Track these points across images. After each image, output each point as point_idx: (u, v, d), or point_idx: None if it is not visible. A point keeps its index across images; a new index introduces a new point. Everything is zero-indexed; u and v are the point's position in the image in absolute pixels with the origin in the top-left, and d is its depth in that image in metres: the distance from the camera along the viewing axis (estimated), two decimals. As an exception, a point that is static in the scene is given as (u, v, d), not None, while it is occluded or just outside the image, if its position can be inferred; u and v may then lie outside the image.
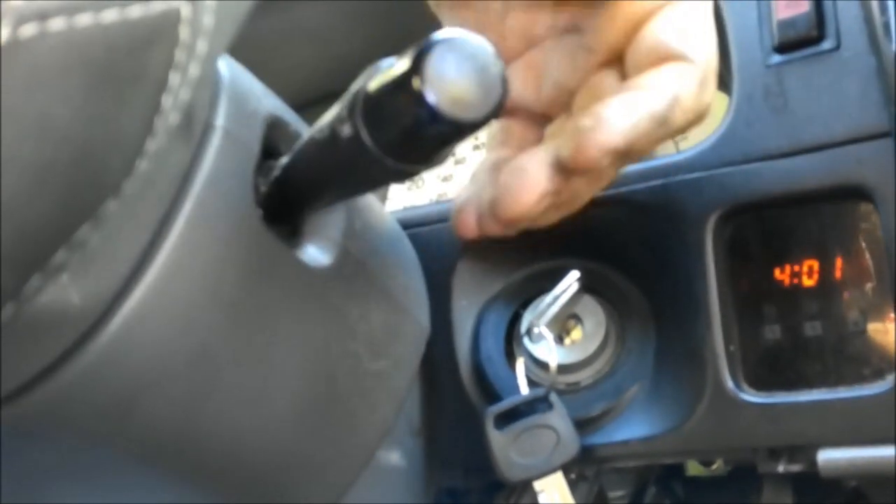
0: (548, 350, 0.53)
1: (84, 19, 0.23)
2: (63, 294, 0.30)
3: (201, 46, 0.28)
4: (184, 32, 0.27)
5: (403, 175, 0.32)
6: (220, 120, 0.36)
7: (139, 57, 0.26)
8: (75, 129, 0.25)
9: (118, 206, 0.29)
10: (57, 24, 0.23)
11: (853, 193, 0.47)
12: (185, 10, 0.27)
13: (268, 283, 0.39)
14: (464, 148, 0.71)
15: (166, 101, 0.28)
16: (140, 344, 0.34)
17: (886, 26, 0.47)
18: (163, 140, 0.29)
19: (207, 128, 0.36)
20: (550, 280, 0.54)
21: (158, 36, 0.26)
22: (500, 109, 0.30)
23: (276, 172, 0.39)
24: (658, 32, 0.44)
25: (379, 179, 0.34)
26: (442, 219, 0.58)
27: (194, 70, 0.28)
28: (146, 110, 0.28)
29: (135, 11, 0.25)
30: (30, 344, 0.31)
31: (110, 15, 0.24)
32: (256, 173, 0.38)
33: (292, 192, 0.39)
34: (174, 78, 0.28)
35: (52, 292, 0.30)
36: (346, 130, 0.31)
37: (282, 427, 0.42)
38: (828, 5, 0.51)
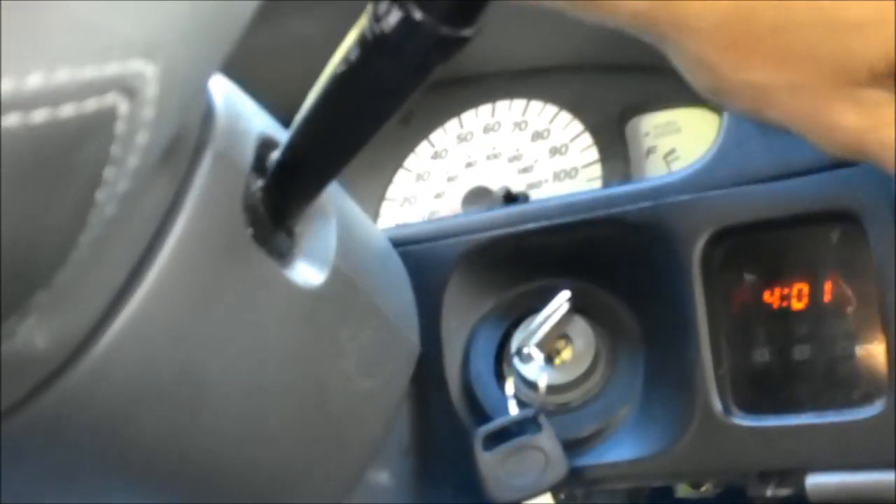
0: (537, 370, 0.53)
1: (11, 120, 0.22)
2: (29, 337, 0.30)
3: (141, 138, 0.26)
4: (120, 128, 0.25)
5: (452, 49, 0.32)
6: (210, 142, 0.36)
7: (70, 155, 0.24)
8: None
9: (48, 295, 0.28)
10: None
11: (842, 217, 0.47)
12: (123, 107, 0.25)
13: (258, 303, 0.39)
14: (456, 166, 0.71)
15: (100, 195, 0.26)
16: (125, 368, 0.34)
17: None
18: (98, 231, 0.28)
19: (198, 150, 0.36)
20: (541, 300, 0.54)
21: (91, 134, 0.24)
22: None
23: (276, 156, 0.38)
24: None
25: (423, 69, 0.33)
26: (434, 237, 0.58)
27: (133, 161, 0.27)
28: (77, 206, 0.26)
29: (66, 111, 0.23)
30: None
31: (40, 115, 0.22)
32: (247, 192, 0.38)
33: (301, 166, 0.38)
34: (110, 172, 0.26)
35: (22, 333, 0.30)
36: (391, 20, 0.31)
37: (271, 445, 0.42)
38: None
